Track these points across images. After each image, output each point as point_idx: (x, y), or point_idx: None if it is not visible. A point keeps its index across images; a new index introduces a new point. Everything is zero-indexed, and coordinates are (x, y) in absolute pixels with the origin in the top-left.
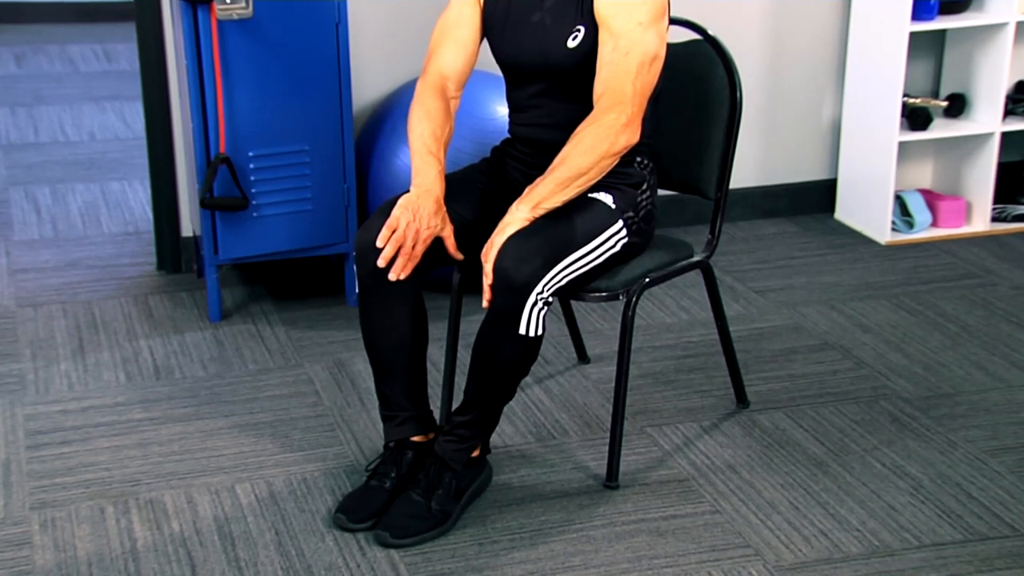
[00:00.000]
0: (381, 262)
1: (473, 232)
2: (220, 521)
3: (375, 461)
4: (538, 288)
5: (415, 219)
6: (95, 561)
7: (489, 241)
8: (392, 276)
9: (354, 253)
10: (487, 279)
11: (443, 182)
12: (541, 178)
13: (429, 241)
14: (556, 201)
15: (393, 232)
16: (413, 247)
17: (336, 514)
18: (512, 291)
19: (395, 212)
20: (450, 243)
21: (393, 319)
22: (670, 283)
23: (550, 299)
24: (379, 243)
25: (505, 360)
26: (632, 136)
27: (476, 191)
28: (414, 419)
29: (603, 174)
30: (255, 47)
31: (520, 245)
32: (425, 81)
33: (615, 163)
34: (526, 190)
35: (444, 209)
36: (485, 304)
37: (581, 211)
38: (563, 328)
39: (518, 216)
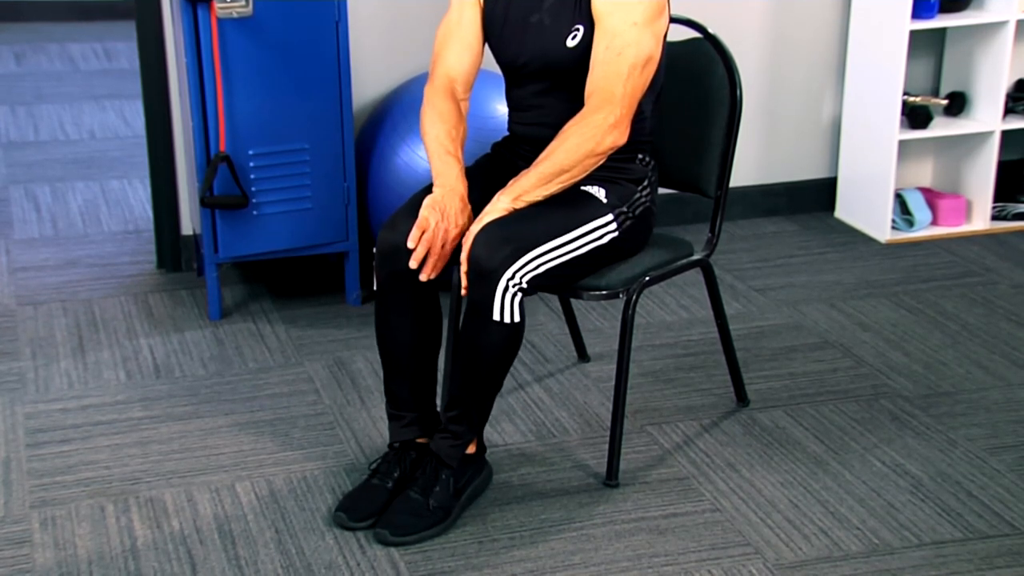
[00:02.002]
0: (413, 263)
1: None
2: (220, 519)
3: (377, 460)
4: (508, 274)
5: (443, 219)
6: (95, 559)
7: (468, 231)
8: (423, 277)
9: (375, 251)
10: (462, 266)
11: (465, 181)
12: (525, 171)
13: (457, 239)
14: (537, 195)
15: (423, 233)
16: (443, 247)
17: (336, 512)
18: (482, 278)
19: (423, 212)
20: None
21: (409, 320)
22: (670, 281)
23: (525, 286)
24: (410, 244)
25: (485, 350)
26: (619, 137)
27: (481, 183)
28: (420, 421)
29: (586, 172)
30: (255, 45)
31: (493, 233)
32: (433, 85)
33: (600, 162)
34: (510, 181)
35: (469, 207)
36: (462, 292)
37: (565, 202)
38: (563, 327)
39: (498, 206)
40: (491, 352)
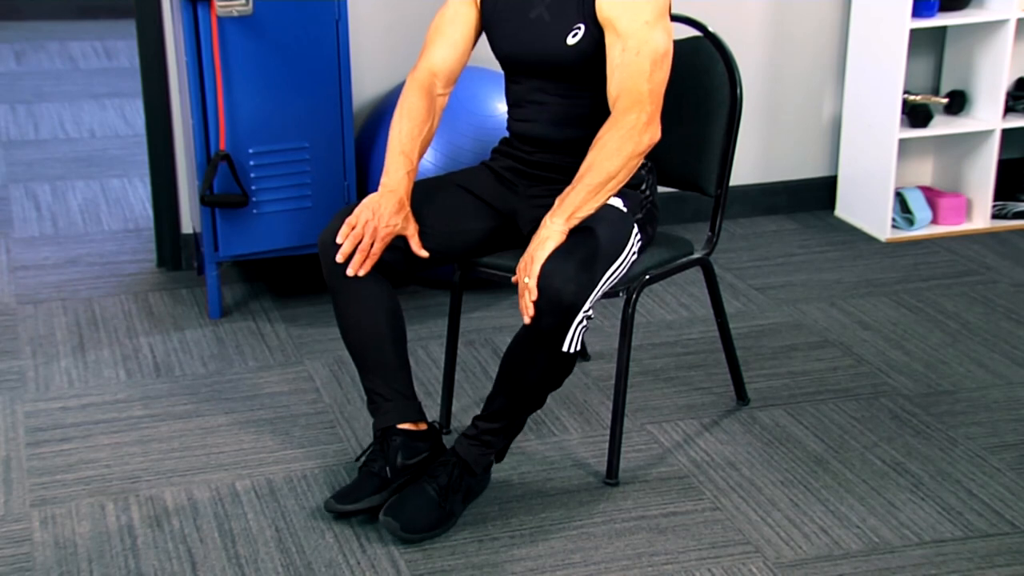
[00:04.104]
0: (339, 257)
1: (486, 247)
2: (220, 518)
3: (365, 452)
4: (585, 306)
5: (374, 217)
6: (95, 558)
7: (527, 256)
8: (349, 272)
9: (318, 251)
10: (531, 295)
11: (410, 183)
12: (570, 188)
13: (388, 239)
14: (589, 209)
15: (352, 229)
16: (372, 244)
17: (328, 500)
18: (562, 310)
19: (357, 210)
20: (414, 242)
21: (363, 314)
22: (670, 280)
23: (591, 314)
24: (338, 239)
25: (542, 375)
26: (655, 133)
27: (482, 210)
28: (398, 407)
29: (631, 176)
30: (255, 44)
31: (564, 263)
32: (413, 77)
33: (640, 163)
34: (557, 201)
35: (407, 209)
36: (527, 320)
37: (606, 222)
38: None
39: (554, 230)
40: (549, 379)
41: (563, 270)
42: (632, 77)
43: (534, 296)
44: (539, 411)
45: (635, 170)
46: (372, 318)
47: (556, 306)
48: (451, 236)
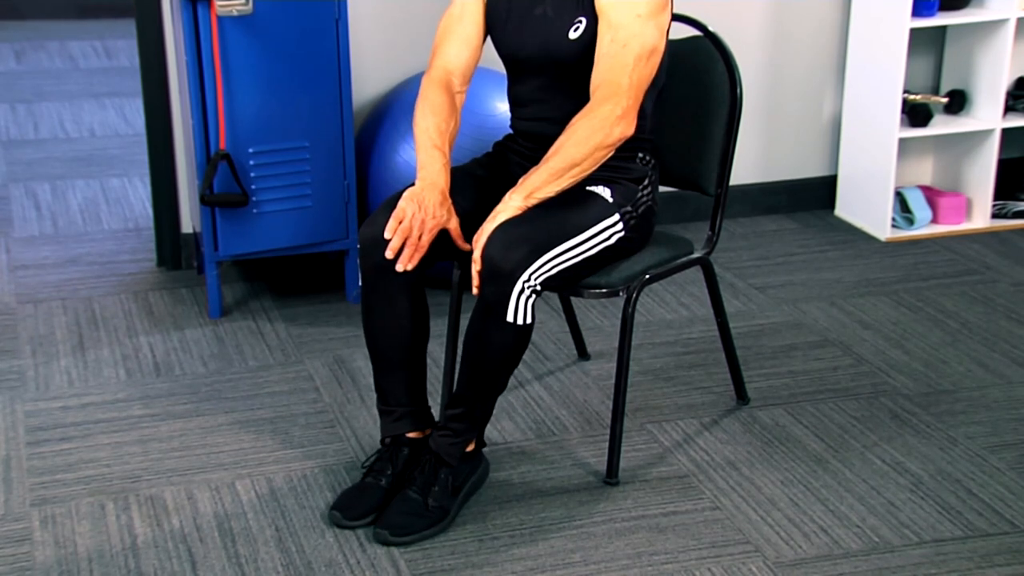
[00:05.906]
0: (389, 253)
1: (472, 224)
2: (220, 517)
3: (371, 458)
4: (524, 276)
5: (420, 210)
6: (95, 557)
7: (480, 229)
8: (399, 267)
9: (358, 247)
10: (475, 265)
11: (448, 175)
12: (535, 168)
13: (435, 232)
14: (549, 191)
15: (400, 223)
16: (420, 238)
17: (332, 511)
18: (499, 278)
19: (401, 203)
20: (456, 234)
21: (395, 314)
22: (670, 279)
23: (539, 288)
24: (387, 234)
25: (494, 350)
26: (627, 128)
27: (475, 184)
28: (411, 415)
29: (597, 165)
30: (255, 43)
31: (508, 233)
32: (430, 77)
33: (609, 155)
34: (520, 179)
35: (449, 201)
36: (474, 291)
37: (575, 202)
38: (563, 324)
39: (511, 205)
40: (501, 352)
41: (504, 239)
42: (614, 69)
43: (478, 266)
44: (539, 411)
45: (601, 161)
46: (404, 321)
47: (494, 273)
48: (476, 225)
